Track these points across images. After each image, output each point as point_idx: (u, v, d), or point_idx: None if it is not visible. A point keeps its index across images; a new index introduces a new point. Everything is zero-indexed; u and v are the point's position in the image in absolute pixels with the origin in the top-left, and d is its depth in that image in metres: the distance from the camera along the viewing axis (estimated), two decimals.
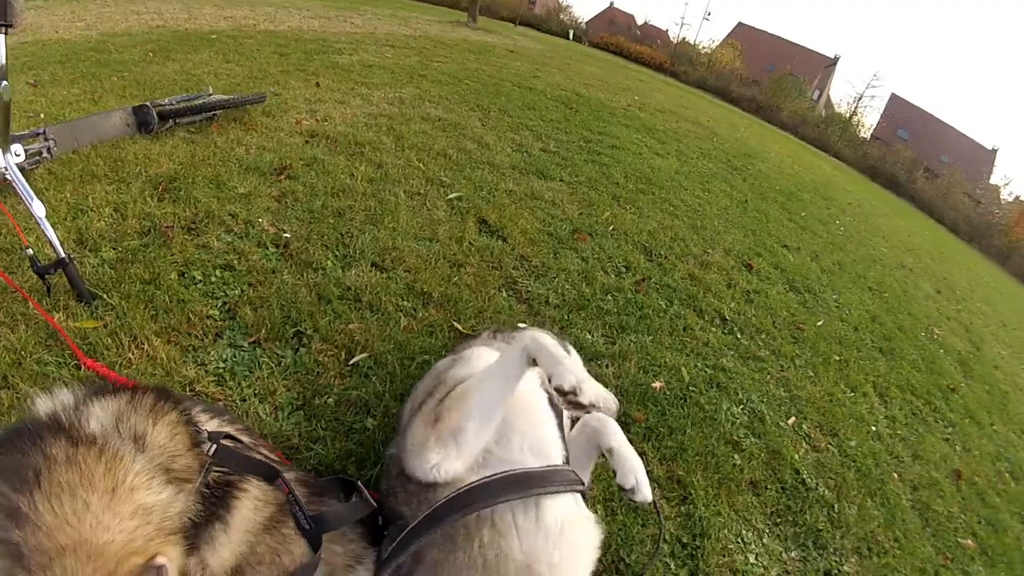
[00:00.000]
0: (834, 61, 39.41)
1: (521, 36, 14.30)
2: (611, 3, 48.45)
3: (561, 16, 35.59)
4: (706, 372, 2.03)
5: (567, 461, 0.97)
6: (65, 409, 0.73)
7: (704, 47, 38.40)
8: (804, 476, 1.79)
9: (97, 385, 0.82)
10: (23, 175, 1.66)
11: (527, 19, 27.58)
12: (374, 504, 0.94)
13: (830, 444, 2.05)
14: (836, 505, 1.74)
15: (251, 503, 0.82)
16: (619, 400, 1.62)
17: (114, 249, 1.82)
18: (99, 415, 0.74)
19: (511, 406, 0.95)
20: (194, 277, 1.77)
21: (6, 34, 1.45)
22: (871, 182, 21.56)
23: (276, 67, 4.51)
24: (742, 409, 1.93)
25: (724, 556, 1.38)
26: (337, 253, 2.04)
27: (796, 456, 1.86)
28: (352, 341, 1.61)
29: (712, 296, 2.62)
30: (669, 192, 3.92)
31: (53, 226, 1.77)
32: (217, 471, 0.80)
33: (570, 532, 0.85)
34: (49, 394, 0.76)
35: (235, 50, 4.91)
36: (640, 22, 46.30)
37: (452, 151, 3.35)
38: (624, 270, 2.55)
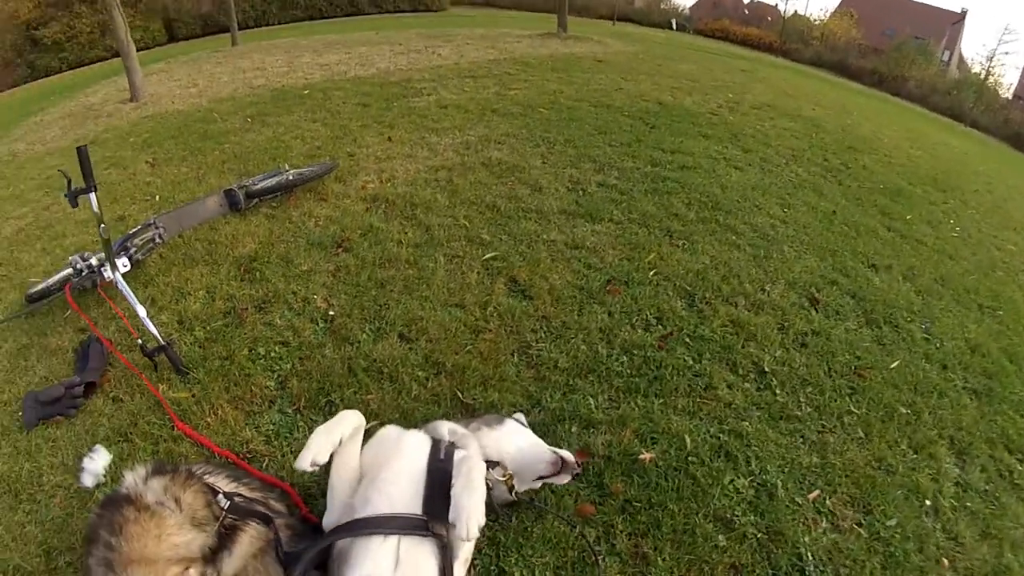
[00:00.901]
0: (961, 16, 34.84)
1: (615, 39, 14.27)
2: None
3: (662, 6, 34.96)
4: (716, 439, 2.08)
5: (428, 502, 1.31)
6: (136, 484, 1.33)
7: (817, 19, 35.81)
8: (807, 562, 1.75)
9: (157, 464, 1.42)
10: (138, 267, 2.35)
11: (626, 14, 27.59)
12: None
13: (858, 523, 1.94)
14: None
15: (248, 539, 1.34)
16: (590, 466, 1.86)
17: (203, 329, 2.44)
18: (154, 488, 1.33)
19: (380, 474, 1.37)
20: (259, 353, 2.31)
21: (96, 193, 2.10)
22: (1015, 151, 18.43)
23: (356, 122, 5.22)
24: (749, 482, 1.95)
25: None
26: (372, 326, 2.48)
27: (806, 538, 1.81)
28: (368, 410, 1.99)
29: (754, 345, 2.60)
30: (736, 216, 3.86)
31: (161, 310, 2.47)
32: (230, 518, 1.34)
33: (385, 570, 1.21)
34: (132, 470, 1.40)
35: (323, 106, 5.76)
36: (747, 0, 43.89)
37: (502, 201, 3.67)
38: (654, 323, 2.65)
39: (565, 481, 1.69)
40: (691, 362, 2.44)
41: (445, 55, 9.08)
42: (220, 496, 1.34)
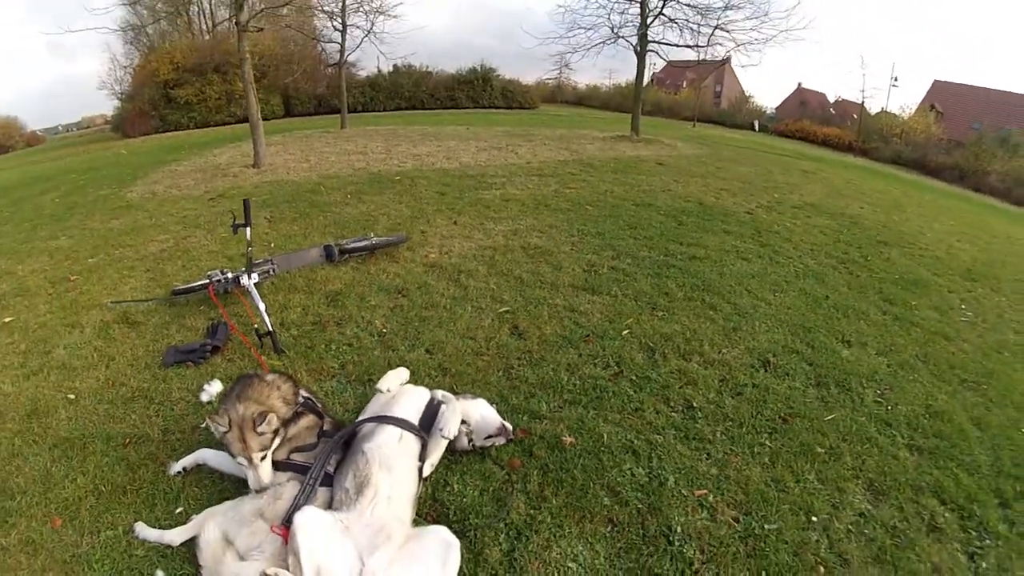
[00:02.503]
0: None
1: (687, 141, 15.60)
2: (799, 85, 47.68)
3: (747, 106, 36.62)
4: (629, 441, 2.77)
5: (420, 423, 2.39)
6: (261, 371, 2.46)
7: (903, 114, 35.78)
8: (675, 534, 2.25)
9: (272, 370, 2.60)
10: (257, 287, 3.70)
11: (710, 116, 29.47)
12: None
13: (736, 520, 2.35)
14: (699, 568, 2.12)
15: (306, 420, 2.43)
16: (526, 440, 2.71)
17: (297, 330, 3.69)
18: (269, 377, 2.39)
19: (398, 400, 2.44)
20: (331, 348, 3.48)
21: (250, 228, 3.49)
22: None
23: (432, 206, 6.62)
24: (646, 472, 2.58)
25: (545, 552, 2.17)
26: (409, 343, 3.58)
27: (681, 519, 2.31)
28: None
29: (691, 388, 3.25)
30: (722, 297, 4.56)
31: (269, 315, 3.64)
32: (300, 408, 2.39)
33: (391, 442, 2.22)
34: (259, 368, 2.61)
35: (408, 191, 7.30)
36: (832, 99, 44.21)
37: (527, 275, 4.73)
38: (613, 365, 3.44)
39: (503, 442, 2.62)
40: (631, 393, 3.20)
41: (521, 154, 10.69)
42: (301, 394, 2.46)
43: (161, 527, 2.21)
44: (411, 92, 31.95)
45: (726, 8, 14.61)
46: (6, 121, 39.52)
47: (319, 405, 2.57)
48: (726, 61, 17.20)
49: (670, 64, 18.38)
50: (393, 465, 2.14)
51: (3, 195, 10.57)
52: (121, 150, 17.11)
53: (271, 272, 4.29)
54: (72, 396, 3.11)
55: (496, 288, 4.46)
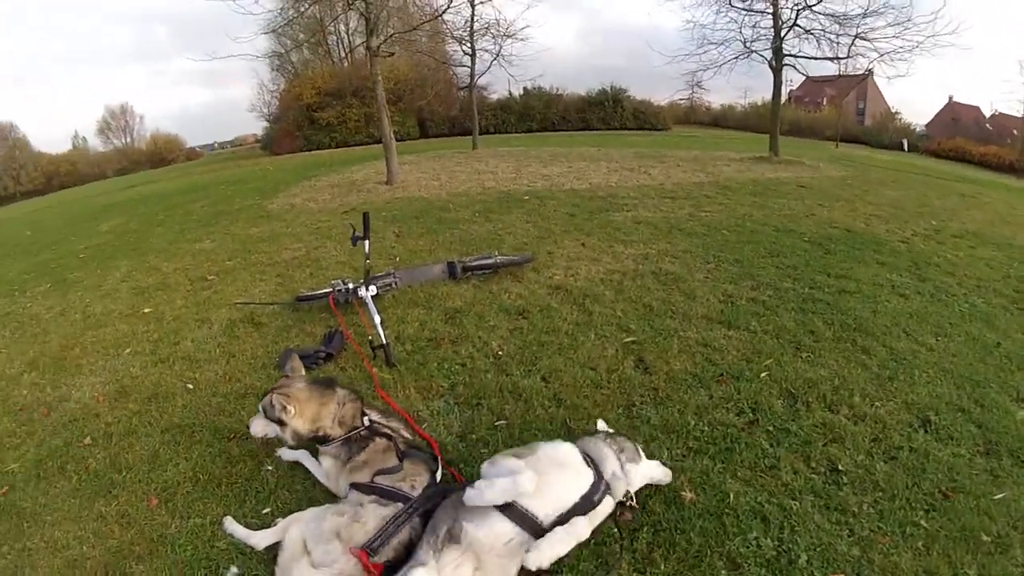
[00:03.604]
0: None
1: (830, 162, 14.15)
2: (950, 99, 41.90)
3: (894, 124, 33.00)
4: (759, 505, 2.42)
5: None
6: (337, 386, 2.51)
7: None
8: None
9: (353, 387, 2.64)
10: (377, 299, 3.85)
11: (854, 135, 27.17)
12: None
13: None
14: None
15: (377, 444, 2.36)
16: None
17: (412, 345, 3.77)
18: (342, 392, 2.50)
19: (545, 478, 2.04)
20: (444, 367, 3.51)
21: (369, 241, 3.63)
22: None
23: (560, 227, 6.56)
24: (774, 545, 2.23)
25: None
26: (525, 368, 3.49)
27: None
28: (503, 413, 2.97)
29: (837, 447, 2.81)
30: (876, 339, 3.96)
31: (386, 328, 3.76)
32: (365, 431, 2.38)
33: (497, 545, 1.90)
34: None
35: (537, 211, 7.28)
36: (988, 113, 38.36)
37: (656, 303, 4.45)
38: (748, 411, 3.07)
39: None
40: (767, 447, 2.82)
41: (653, 175, 10.34)
42: (366, 418, 2.46)
43: (247, 524, 2.31)
44: (542, 114, 32.55)
45: (865, 15, 13.13)
46: (168, 138, 47.60)
47: (391, 429, 2.49)
48: (869, 74, 15.39)
49: (809, 79, 16.84)
50: (488, 564, 1.88)
51: (161, 201, 12.42)
52: (267, 166, 19.25)
53: (393, 285, 4.47)
54: (191, 386, 3.45)
55: (623, 316, 4.24)
